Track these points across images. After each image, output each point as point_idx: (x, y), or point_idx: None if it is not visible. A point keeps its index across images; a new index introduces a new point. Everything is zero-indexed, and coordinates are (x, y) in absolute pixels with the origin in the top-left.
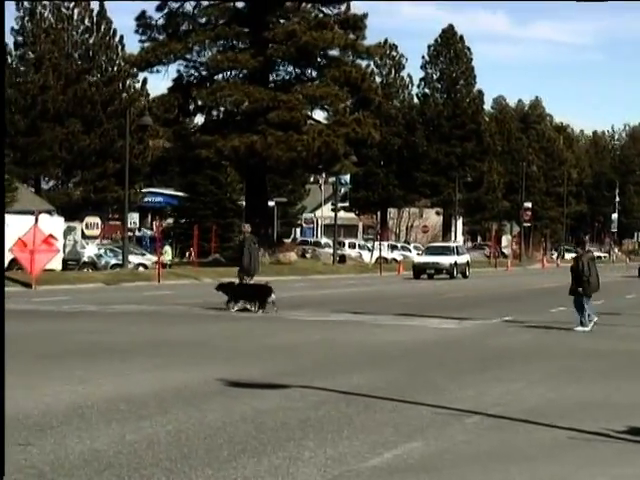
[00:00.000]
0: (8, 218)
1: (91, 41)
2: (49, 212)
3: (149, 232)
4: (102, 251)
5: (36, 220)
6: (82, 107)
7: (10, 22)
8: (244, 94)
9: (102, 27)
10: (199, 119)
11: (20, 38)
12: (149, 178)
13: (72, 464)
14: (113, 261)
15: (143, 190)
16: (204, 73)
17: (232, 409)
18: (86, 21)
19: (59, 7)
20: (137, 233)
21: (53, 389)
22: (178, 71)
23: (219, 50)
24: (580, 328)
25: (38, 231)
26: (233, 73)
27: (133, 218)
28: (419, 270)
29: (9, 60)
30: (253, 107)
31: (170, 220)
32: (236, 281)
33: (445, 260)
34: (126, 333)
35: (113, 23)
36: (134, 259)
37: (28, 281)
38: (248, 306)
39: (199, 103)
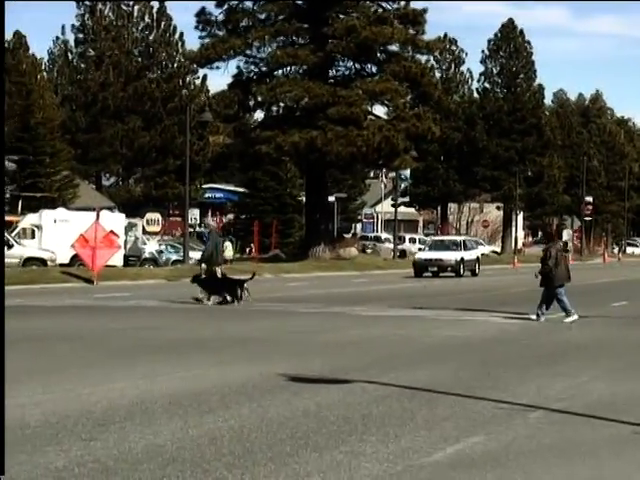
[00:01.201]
0: (70, 214)
1: (151, 38)
2: (110, 209)
3: None
4: (163, 247)
5: (97, 217)
6: (142, 104)
7: (71, 19)
8: (304, 90)
9: (162, 24)
10: (259, 115)
11: (81, 35)
12: (209, 174)
13: (135, 459)
14: (174, 257)
15: (204, 186)
16: (264, 69)
17: (294, 404)
18: (146, 18)
19: (119, 4)
20: (198, 229)
21: (116, 384)
22: (238, 67)
23: (279, 46)
24: (569, 319)
25: (99, 227)
26: (293, 69)
27: (194, 214)
28: (420, 268)
29: (70, 57)
30: (313, 103)
31: (230, 216)
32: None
33: (450, 256)
34: (187, 329)
35: (173, 20)
36: (195, 255)
37: (90, 277)
38: (229, 298)
39: (259, 99)
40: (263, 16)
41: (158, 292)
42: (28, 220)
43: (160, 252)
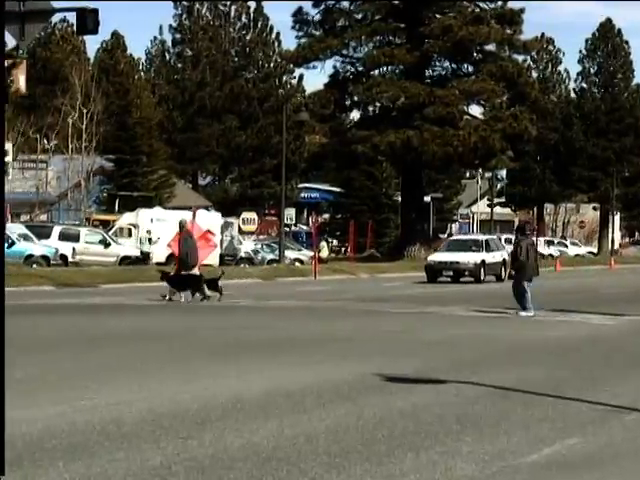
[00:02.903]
0: (166, 214)
1: (248, 38)
2: (206, 208)
3: (305, 227)
4: (259, 246)
5: (194, 216)
6: (239, 103)
7: (168, 20)
8: (400, 89)
9: (259, 24)
10: (355, 115)
11: (178, 36)
12: (305, 174)
13: (231, 457)
14: (270, 256)
15: (299, 186)
16: (360, 69)
17: (389, 404)
18: (243, 18)
19: (217, 4)
20: (293, 228)
21: (212, 383)
22: (334, 67)
23: (375, 46)
24: (524, 313)
25: (196, 227)
26: (389, 68)
27: (290, 214)
28: (433, 272)
29: (167, 57)
30: (409, 102)
31: (326, 215)
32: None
33: (468, 259)
34: (283, 328)
35: (270, 20)
36: (290, 254)
37: None
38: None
39: (355, 99)
40: (360, 16)
41: (253, 291)
42: (125, 219)
43: (256, 251)
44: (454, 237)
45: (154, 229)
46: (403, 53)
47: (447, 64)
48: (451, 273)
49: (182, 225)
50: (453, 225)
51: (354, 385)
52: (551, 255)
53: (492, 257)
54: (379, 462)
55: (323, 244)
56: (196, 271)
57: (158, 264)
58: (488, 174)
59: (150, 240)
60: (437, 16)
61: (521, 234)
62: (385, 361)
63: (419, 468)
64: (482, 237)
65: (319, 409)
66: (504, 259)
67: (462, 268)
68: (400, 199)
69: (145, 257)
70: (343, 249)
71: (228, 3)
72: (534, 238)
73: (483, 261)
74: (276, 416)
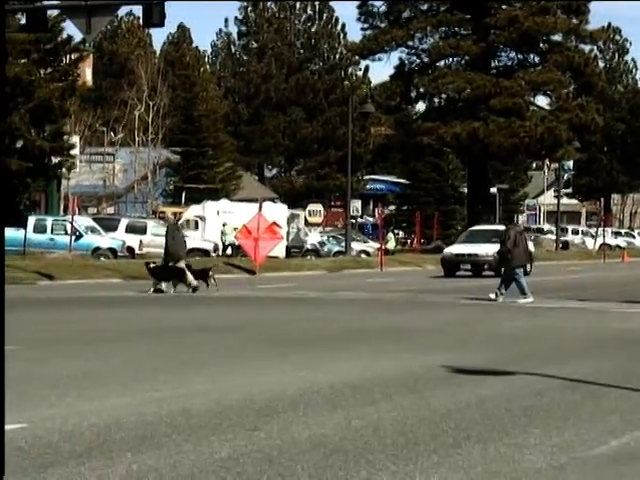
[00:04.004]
0: (233, 206)
1: (313, 29)
2: (272, 200)
3: (371, 219)
4: (325, 238)
5: (260, 208)
6: (304, 95)
7: (234, 12)
8: (466, 81)
9: (324, 15)
10: (421, 106)
11: (244, 28)
12: (371, 165)
13: (299, 449)
14: (336, 248)
15: (365, 177)
16: (426, 60)
17: (456, 396)
18: (308, 10)
19: None
20: (359, 220)
21: (279, 375)
22: (400, 58)
23: (441, 37)
24: (523, 300)
25: (262, 219)
26: (455, 60)
27: (355, 205)
28: (451, 265)
29: (233, 49)
30: (475, 94)
31: (392, 207)
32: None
33: (488, 250)
34: (350, 320)
35: (335, 11)
36: (356, 246)
37: (252, 268)
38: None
39: (421, 90)
40: (425, 7)
41: (319, 283)
42: (191, 211)
43: (322, 243)
44: (475, 227)
45: (221, 221)
46: (469, 44)
47: (513, 55)
48: (469, 266)
49: (166, 219)
50: (519, 216)
51: (421, 377)
52: (618, 246)
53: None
54: (446, 454)
55: (390, 236)
56: (182, 264)
57: (225, 256)
58: (555, 165)
59: (223, 232)
60: (503, 7)
61: (509, 222)
62: (453, 353)
63: (486, 460)
64: (504, 227)
65: (386, 401)
66: (530, 252)
67: (481, 261)
68: (466, 190)
69: (224, 249)
70: (409, 241)
71: None
72: (602, 228)
73: None
74: (343, 408)
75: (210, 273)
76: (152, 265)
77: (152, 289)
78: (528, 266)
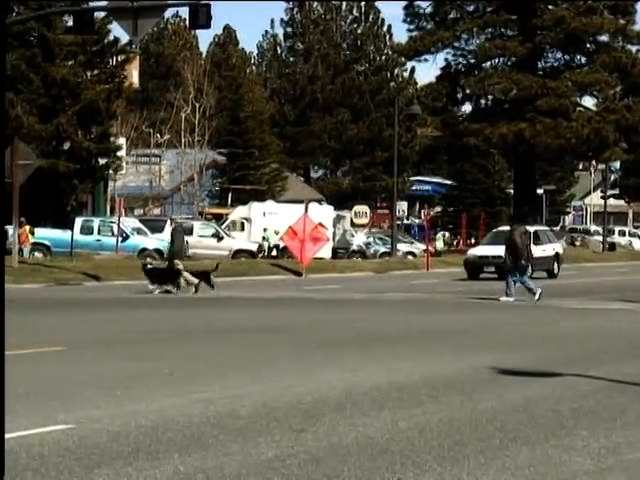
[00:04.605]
0: (279, 207)
1: (359, 31)
2: (318, 201)
3: (417, 221)
4: (371, 239)
5: (306, 209)
6: (350, 97)
7: (280, 14)
8: (512, 82)
9: (370, 17)
10: (467, 107)
11: (290, 29)
12: (417, 166)
13: (345, 450)
14: (382, 249)
15: (411, 178)
16: (472, 61)
17: (503, 397)
18: (354, 11)
19: None
20: (405, 221)
21: (325, 376)
22: (446, 59)
23: (487, 38)
24: (504, 298)
25: (308, 220)
26: (501, 60)
27: (402, 206)
28: (474, 267)
29: (279, 51)
30: (521, 95)
31: (438, 208)
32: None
33: None
34: (394, 321)
35: (381, 12)
36: (402, 247)
37: (298, 270)
38: (169, 288)
39: (467, 91)
40: (471, 8)
41: (366, 284)
42: (238, 213)
43: (368, 244)
44: (500, 228)
45: (266, 223)
46: (515, 45)
47: (559, 55)
48: (493, 269)
49: (173, 221)
50: (566, 217)
51: (468, 378)
52: None
53: (542, 250)
54: (493, 455)
55: (439, 236)
56: (180, 265)
57: (271, 257)
58: (601, 166)
59: (265, 237)
60: (549, 7)
61: (514, 223)
62: (500, 354)
63: (533, 462)
64: (531, 228)
65: (433, 402)
66: (557, 253)
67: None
68: (512, 191)
69: (270, 250)
70: (455, 242)
71: None
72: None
73: None
74: (389, 409)
75: (212, 276)
76: (149, 266)
77: (158, 290)
78: (555, 268)
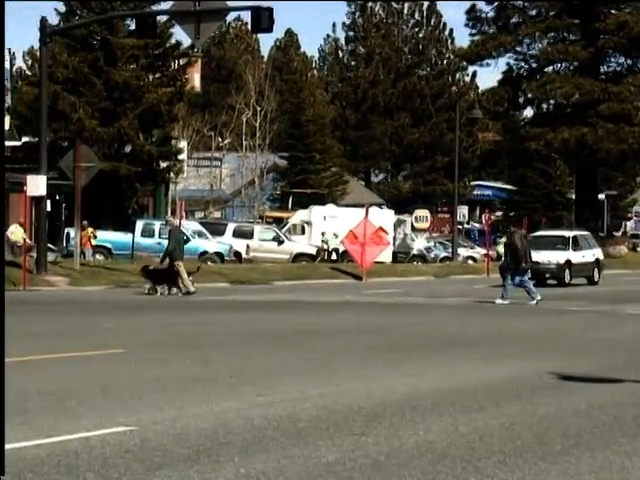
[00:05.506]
0: (339, 211)
1: (421, 35)
2: (379, 205)
3: (477, 225)
4: (431, 244)
5: (366, 213)
6: (412, 101)
7: (341, 18)
8: (574, 86)
9: (432, 21)
10: (529, 112)
11: (351, 33)
12: (478, 171)
13: (406, 454)
14: (442, 254)
15: (472, 183)
16: (534, 65)
17: (564, 403)
18: (416, 15)
19: (390, 2)
20: (466, 226)
21: (385, 380)
22: (508, 64)
23: (549, 42)
24: (499, 301)
25: (369, 224)
26: (563, 65)
27: (462, 211)
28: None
29: (340, 55)
30: (583, 99)
31: (499, 213)
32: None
33: (550, 258)
34: (455, 325)
35: (443, 17)
36: (463, 252)
37: (358, 274)
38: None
39: (529, 96)
40: (534, 12)
41: (426, 289)
42: (298, 216)
43: (429, 249)
44: (539, 232)
45: (328, 226)
46: (577, 49)
47: (622, 60)
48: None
49: (168, 222)
50: (628, 223)
51: (529, 383)
52: None
53: (581, 256)
54: (554, 461)
55: (500, 240)
56: (181, 267)
57: (331, 261)
58: None
59: (324, 241)
60: (612, 12)
61: (514, 226)
62: (560, 359)
63: (594, 468)
64: (570, 233)
65: (493, 407)
66: (597, 259)
67: (542, 269)
68: (574, 197)
69: (329, 254)
70: None
71: (401, 1)
72: None
73: (568, 261)
74: (449, 413)
75: (190, 278)
76: (150, 267)
77: (146, 290)
78: (596, 275)
